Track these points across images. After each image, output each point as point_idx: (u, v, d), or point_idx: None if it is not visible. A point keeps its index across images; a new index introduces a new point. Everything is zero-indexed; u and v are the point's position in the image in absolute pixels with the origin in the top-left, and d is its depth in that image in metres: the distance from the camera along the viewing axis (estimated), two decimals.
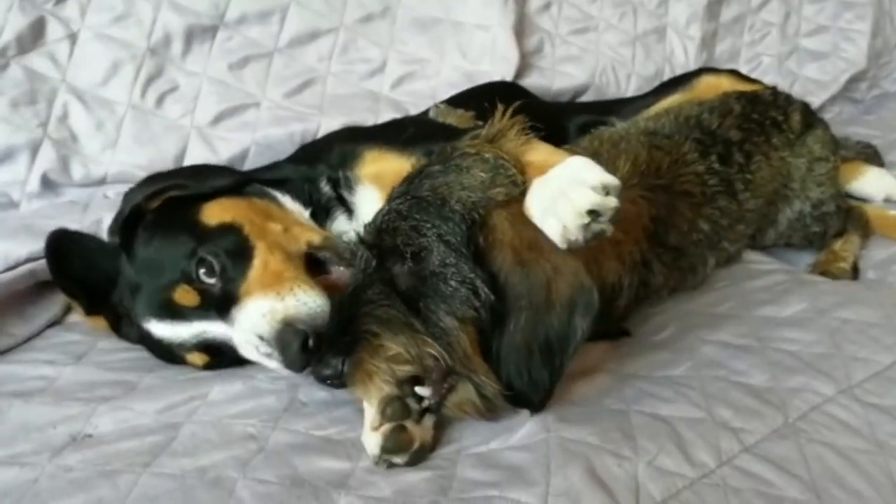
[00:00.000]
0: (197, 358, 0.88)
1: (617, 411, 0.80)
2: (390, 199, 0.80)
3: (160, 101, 1.19)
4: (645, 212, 0.93)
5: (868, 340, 0.93)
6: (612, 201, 0.72)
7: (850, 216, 1.24)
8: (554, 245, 0.73)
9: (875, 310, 0.99)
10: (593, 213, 0.71)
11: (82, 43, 1.16)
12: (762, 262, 1.18)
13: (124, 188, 1.14)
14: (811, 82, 1.85)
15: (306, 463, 0.73)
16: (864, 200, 1.39)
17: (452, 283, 0.72)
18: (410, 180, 0.80)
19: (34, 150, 1.10)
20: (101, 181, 1.13)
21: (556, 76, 1.53)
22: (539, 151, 0.83)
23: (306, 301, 0.83)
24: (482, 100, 1.29)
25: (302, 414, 0.82)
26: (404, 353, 0.71)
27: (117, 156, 1.15)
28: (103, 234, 1.03)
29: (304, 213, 1.00)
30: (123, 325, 0.94)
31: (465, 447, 0.78)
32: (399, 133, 1.06)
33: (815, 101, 1.81)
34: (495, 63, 1.42)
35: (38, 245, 0.98)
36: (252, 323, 0.82)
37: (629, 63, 1.63)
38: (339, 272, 0.90)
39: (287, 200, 1.01)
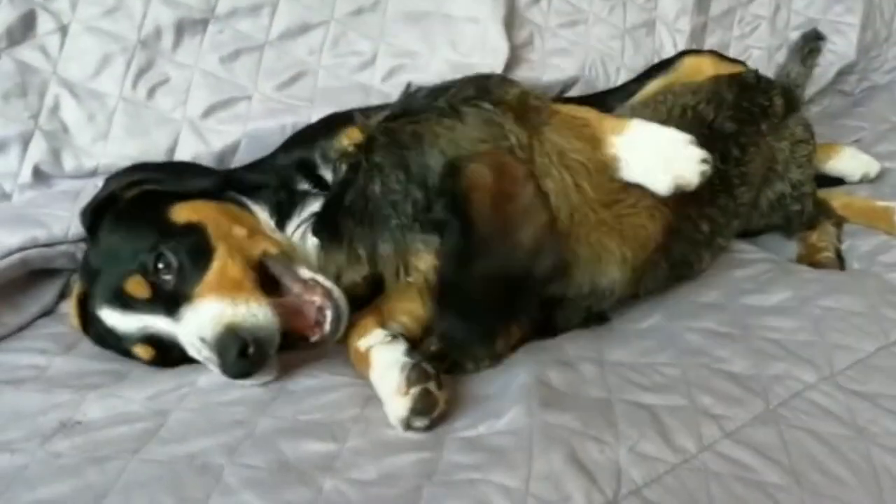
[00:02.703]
0: (142, 351, 0.88)
1: (600, 399, 0.82)
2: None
3: (151, 93, 1.19)
4: (655, 222, 0.93)
5: (851, 329, 0.94)
6: (706, 152, 0.89)
7: (819, 206, 1.25)
8: (532, 201, 0.78)
9: (859, 298, 1.00)
10: (704, 161, 0.88)
11: (73, 35, 1.16)
12: (747, 251, 1.19)
13: None
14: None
15: (293, 447, 0.74)
16: (840, 181, 1.40)
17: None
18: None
19: (25, 142, 1.10)
20: (93, 173, 1.13)
21: (545, 69, 1.54)
22: (586, 111, 0.94)
23: (256, 313, 0.83)
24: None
25: (290, 400, 0.83)
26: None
27: (109, 148, 1.15)
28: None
29: (270, 223, 1.02)
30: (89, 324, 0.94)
31: (454, 430, 0.79)
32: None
33: (804, 94, 1.82)
34: (485, 56, 1.43)
35: (29, 234, 0.99)
36: (198, 324, 0.83)
37: (618, 56, 1.63)
38: (293, 298, 0.90)
39: (258, 209, 1.02)
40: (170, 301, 0.85)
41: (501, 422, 0.78)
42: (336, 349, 0.93)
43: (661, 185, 0.87)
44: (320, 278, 0.90)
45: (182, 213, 0.92)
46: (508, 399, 0.81)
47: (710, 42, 1.80)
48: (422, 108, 0.83)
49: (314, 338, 0.88)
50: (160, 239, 0.87)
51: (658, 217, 0.92)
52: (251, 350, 0.80)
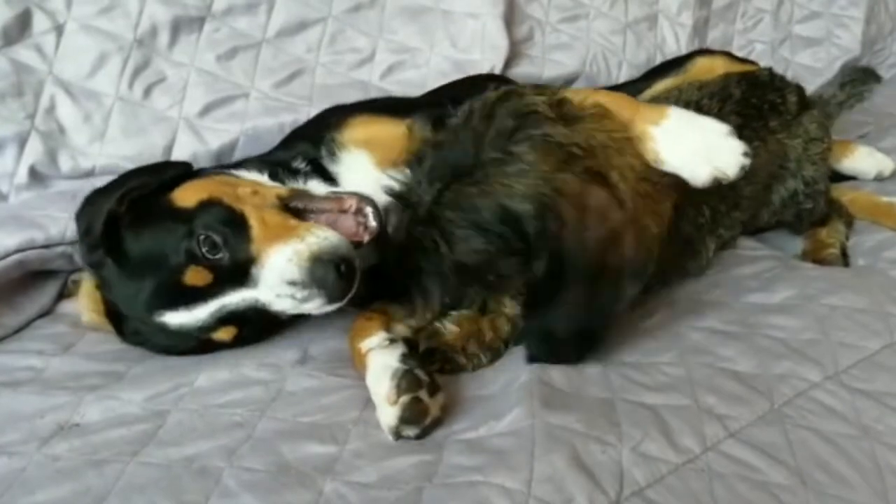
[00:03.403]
0: (223, 333, 0.87)
1: (603, 399, 0.81)
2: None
3: (148, 92, 1.19)
4: (670, 200, 0.93)
5: (856, 326, 0.93)
6: (745, 144, 0.89)
7: (831, 202, 1.24)
8: (621, 220, 0.81)
9: (863, 296, 0.99)
10: (746, 154, 0.88)
11: (69, 35, 1.15)
12: (752, 248, 1.18)
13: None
14: (804, 69, 1.83)
15: (293, 449, 0.74)
16: (854, 178, 1.39)
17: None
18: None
19: (22, 142, 1.09)
20: (90, 173, 1.13)
21: (546, 64, 1.53)
22: (620, 98, 0.94)
23: (326, 236, 0.85)
24: (468, 93, 1.30)
25: (289, 402, 0.82)
26: None
27: (105, 148, 1.14)
28: None
29: (261, 177, 1.00)
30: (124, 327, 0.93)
31: (454, 432, 0.78)
32: (383, 103, 1.05)
33: (808, 87, 1.79)
34: (485, 52, 1.42)
35: (27, 235, 0.99)
36: (280, 272, 0.83)
37: (620, 51, 1.62)
38: (327, 217, 0.91)
39: (243, 172, 1.00)
40: (235, 272, 0.84)
41: (502, 423, 0.78)
42: (336, 348, 0.93)
43: (700, 176, 0.88)
44: (339, 188, 0.91)
45: (186, 196, 0.91)
46: (509, 399, 0.81)
47: (713, 36, 1.79)
48: (473, 163, 0.81)
49: (367, 237, 0.90)
50: (190, 226, 0.85)
51: (670, 196, 0.92)
52: (343, 268, 0.82)
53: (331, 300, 0.83)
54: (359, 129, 1.01)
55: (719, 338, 0.92)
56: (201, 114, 1.21)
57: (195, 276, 0.84)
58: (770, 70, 1.27)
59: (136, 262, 0.87)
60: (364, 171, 0.99)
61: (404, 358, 0.82)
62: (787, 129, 1.16)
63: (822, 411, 0.81)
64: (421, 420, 0.77)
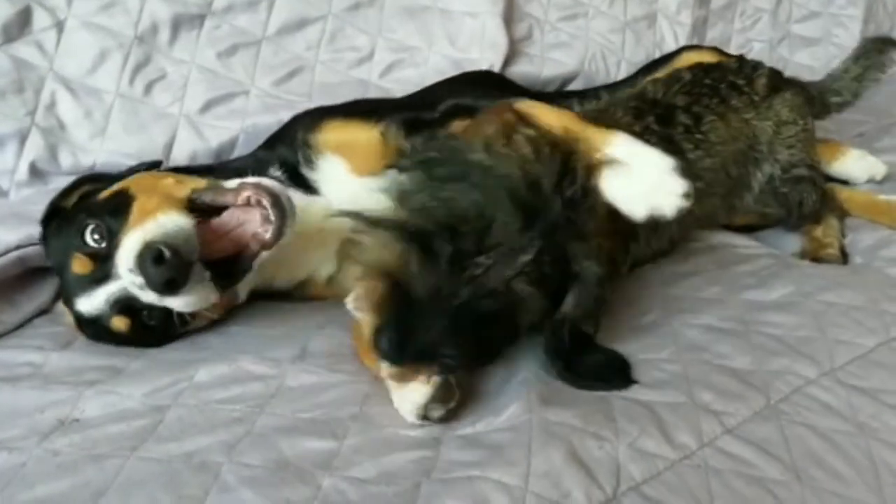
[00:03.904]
0: (118, 322, 0.87)
1: (599, 395, 0.81)
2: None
3: (148, 89, 1.19)
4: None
5: (852, 324, 0.94)
6: (689, 184, 0.84)
7: (825, 200, 1.24)
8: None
9: (860, 293, 1.00)
10: (686, 196, 0.83)
11: (69, 31, 1.15)
12: (749, 246, 1.18)
13: None
14: (803, 68, 1.84)
15: (292, 445, 0.74)
16: (845, 182, 1.39)
17: None
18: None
19: (22, 138, 1.10)
20: (90, 170, 1.13)
21: (545, 63, 1.53)
22: (571, 121, 0.91)
23: (164, 223, 0.81)
24: (456, 89, 1.30)
25: (289, 398, 0.82)
26: None
27: (106, 144, 1.14)
28: None
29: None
30: None
31: (452, 428, 0.78)
32: (357, 106, 1.04)
33: None
34: (484, 50, 1.42)
35: (27, 231, 0.99)
36: (124, 261, 0.82)
37: (619, 50, 1.63)
38: (230, 213, 0.87)
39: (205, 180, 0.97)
40: (108, 261, 0.85)
41: (500, 419, 0.78)
42: (335, 344, 0.93)
43: (636, 212, 0.84)
44: (249, 179, 0.87)
45: (109, 190, 0.92)
46: (507, 395, 0.81)
47: (712, 35, 1.79)
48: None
49: (268, 235, 0.85)
50: (88, 216, 0.87)
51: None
52: (167, 253, 0.78)
53: (152, 288, 0.80)
54: (331, 135, 0.99)
55: (716, 334, 0.92)
56: (202, 111, 1.21)
57: (79, 264, 0.86)
58: (741, 58, 1.30)
59: (53, 253, 0.92)
60: (340, 178, 0.97)
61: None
62: (755, 109, 1.17)
63: (817, 408, 0.81)
64: (448, 401, 0.78)
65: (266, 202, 0.84)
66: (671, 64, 1.47)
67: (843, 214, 1.26)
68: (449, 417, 0.79)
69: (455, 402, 0.79)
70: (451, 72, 1.39)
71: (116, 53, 1.17)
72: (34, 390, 0.82)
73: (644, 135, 1.03)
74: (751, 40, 1.84)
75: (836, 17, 1.87)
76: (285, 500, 0.67)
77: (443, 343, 0.73)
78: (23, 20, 1.12)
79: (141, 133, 1.17)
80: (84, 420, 0.78)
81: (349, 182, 0.97)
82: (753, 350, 0.89)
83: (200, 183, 0.91)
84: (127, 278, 0.83)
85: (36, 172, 1.11)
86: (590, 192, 0.81)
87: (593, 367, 0.84)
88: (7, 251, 0.97)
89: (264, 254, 0.86)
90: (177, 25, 1.22)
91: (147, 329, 0.89)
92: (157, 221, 0.82)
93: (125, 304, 0.86)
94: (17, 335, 0.96)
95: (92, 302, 0.86)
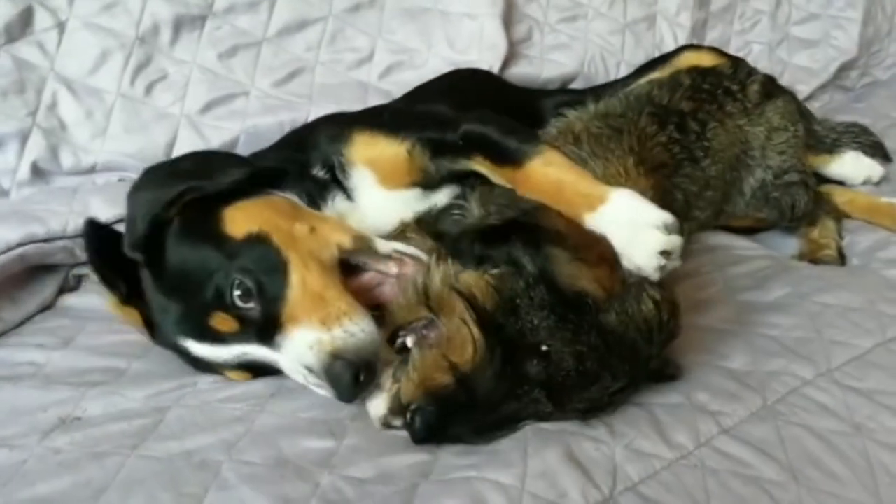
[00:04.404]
0: (238, 376, 0.85)
1: None
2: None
3: (149, 89, 1.20)
4: (647, 189, 0.94)
5: (849, 325, 0.94)
6: (678, 239, 0.78)
7: (819, 201, 1.25)
8: None
9: (857, 295, 1.00)
10: (665, 254, 0.77)
11: (71, 32, 1.16)
12: (747, 248, 1.19)
13: (114, 176, 1.16)
14: (802, 70, 1.85)
15: (291, 444, 0.75)
16: (841, 183, 1.39)
17: None
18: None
19: (23, 138, 1.10)
20: (91, 169, 1.14)
21: (544, 64, 1.53)
22: (570, 172, 0.87)
23: (354, 332, 0.78)
24: (452, 90, 1.30)
25: (289, 397, 0.83)
26: None
27: (107, 144, 1.15)
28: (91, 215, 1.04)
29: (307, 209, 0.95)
30: (156, 329, 0.90)
31: None
32: (384, 117, 1.04)
33: (805, 89, 1.81)
34: (483, 52, 1.43)
35: (28, 230, 0.99)
36: (299, 354, 0.79)
37: (619, 51, 1.63)
38: (372, 276, 0.86)
39: (292, 197, 0.95)
40: (261, 330, 0.80)
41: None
42: None
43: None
44: (401, 247, 0.86)
45: (237, 222, 0.85)
46: None
47: (711, 37, 1.80)
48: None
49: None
50: (228, 261, 0.81)
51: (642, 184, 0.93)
52: (362, 377, 0.76)
53: (339, 398, 0.78)
54: (363, 148, 0.97)
55: (713, 335, 0.93)
56: (202, 111, 1.22)
57: (221, 322, 0.81)
58: (736, 63, 1.30)
59: (170, 279, 0.84)
60: (370, 189, 0.97)
61: (400, 350, 0.82)
62: (747, 115, 1.18)
63: (814, 408, 0.82)
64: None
65: (418, 277, 0.82)
66: (671, 63, 1.47)
67: (839, 216, 1.26)
68: None
69: None
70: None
71: (118, 54, 1.18)
72: (36, 389, 0.83)
73: (668, 145, 1.05)
74: (750, 42, 1.84)
75: (835, 20, 1.88)
76: (284, 498, 0.67)
77: (468, 434, 0.74)
78: (24, 20, 1.13)
79: (142, 133, 1.17)
80: (85, 419, 0.78)
81: (379, 194, 0.97)
82: (751, 351, 0.90)
83: (345, 239, 0.87)
84: (294, 366, 0.80)
85: (37, 172, 1.11)
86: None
87: None
88: (8, 249, 0.97)
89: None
90: (178, 26, 1.23)
91: (260, 376, 0.86)
92: (343, 328, 0.78)
93: (254, 365, 0.83)
94: (17, 332, 0.97)
95: (217, 352, 0.82)
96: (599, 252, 0.79)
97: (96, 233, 0.90)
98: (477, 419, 0.73)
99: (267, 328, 0.80)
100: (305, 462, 0.72)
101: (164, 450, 0.74)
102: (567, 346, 0.72)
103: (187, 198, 0.85)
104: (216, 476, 0.70)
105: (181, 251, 0.84)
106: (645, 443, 0.75)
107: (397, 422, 0.78)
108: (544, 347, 0.73)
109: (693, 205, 1.09)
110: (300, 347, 0.78)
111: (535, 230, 0.80)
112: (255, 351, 0.81)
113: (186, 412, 0.80)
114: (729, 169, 1.15)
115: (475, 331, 0.73)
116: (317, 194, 0.96)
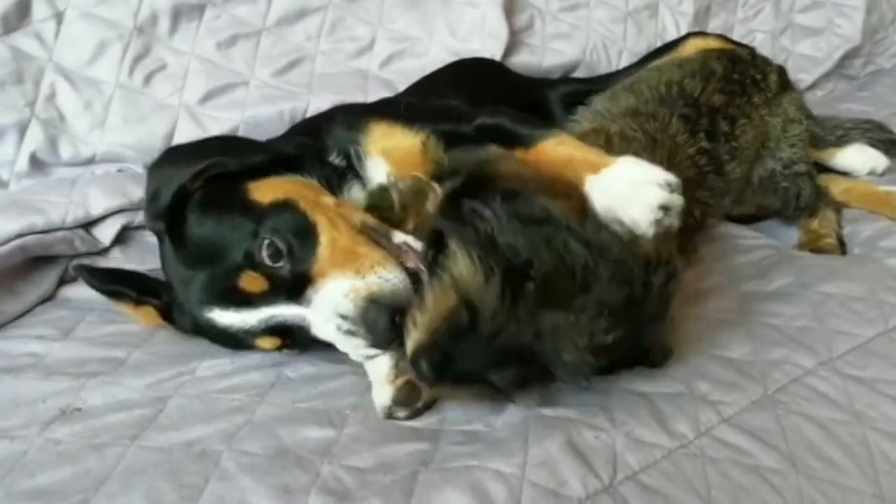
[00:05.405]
0: (267, 342, 0.84)
1: (596, 388, 0.81)
2: None
3: (148, 80, 1.19)
4: None
5: (850, 314, 0.94)
6: (678, 198, 0.78)
7: (819, 193, 1.24)
8: None
9: (859, 284, 1.00)
10: (664, 209, 0.76)
11: (69, 22, 1.16)
12: (749, 237, 1.18)
13: (113, 167, 1.16)
14: (805, 59, 1.83)
15: (291, 433, 0.75)
16: (846, 174, 1.38)
17: None
18: None
19: (22, 130, 1.10)
20: (90, 161, 1.14)
21: (546, 53, 1.53)
22: (581, 149, 0.87)
23: (388, 278, 0.79)
24: (458, 81, 1.29)
25: (288, 388, 0.83)
26: None
27: (106, 135, 1.15)
28: (90, 210, 1.04)
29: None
30: (175, 314, 0.90)
31: (450, 423, 0.79)
32: (400, 109, 1.04)
33: (808, 77, 1.81)
34: (484, 41, 1.42)
35: (27, 221, 1.00)
36: (334, 303, 0.79)
37: (620, 40, 1.62)
38: (397, 247, 0.85)
39: (315, 182, 0.94)
40: (291, 287, 0.80)
41: (499, 419, 0.79)
42: None
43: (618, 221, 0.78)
44: (411, 241, 0.86)
45: (263, 192, 0.86)
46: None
47: (714, 25, 1.79)
48: None
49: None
50: (257, 224, 0.81)
51: None
52: (398, 318, 0.76)
53: (374, 345, 0.79)
54: (379, 138, 0.98)
55: (714, 325, 0.92)
56: (201, 101, 1.22)
57: (250, 282, 0.80)
58: (752, 50, 1.28)
59: (194, 249, 0.84)
60: (385, 178, 0.96)
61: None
62: (769, 106, 1.17)
63: (815, 397, 0.82)
64: (413, 402, 0.78)
65: (424, 278, 0.81)
66: (677, 50, 1.45)
67: (838, 207, 1.26)
68: (416, 416, 0.79)
69: (422, 402, 0.79)
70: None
71: (116, 44, 1.17)
72: (36, 380, 0.83)
73: (696, 157, 1.03)
74: (753, 30, 1.83)
75: (838, 7, 1.86)
76: (284, 487, 0.68)
77: (484, 371, 0.72)
78: (22, 11, 1.13)
79: (141, 124, 1.17)
80: (85, 409, 0.79)
81: None
82: (752, 340, 0.89)
83: (367, 217, 0.89)
84: (327, 317, 0.79)
85: (36, 163, 1.11)
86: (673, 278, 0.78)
87: None
88: (8, 240, 0.97)
89: None
90: (176, 16, 1.22)
91: (290, 346, 0.86)
92: (378, 274, 0.79)
93: (283, 327, 0.82)
94: (17, 324, 0.97)
95: (244, 317, 0.81)
96: (565, 187, 0.79)
97: (89, 273, 0.95)
98: (482, 348, 0.71)
99: (297, 285, 0.80)
100: (305, 452, 0.72)
101: (164, 440, 0.74)
102: (549, 251, 0.72)
103: (212, 172, 0.86)
104: (216, 466, 0.70)
105: (206, 218, 0.84)
106: (645, 432, 0.75)
107: (402, 412, 0.78)
108: (530, 260, 0.72)
109: (709, 215, 1.08)
110: (335, 297, 0.79)
111: (492, 178, 0.80)
112: (285, 311, 0.81)
113: (186, 402, 0.80)
114: (749, 167, 1.14)
115: (474, 253, 0.73)
116: (334, 181, 0.96)
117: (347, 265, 0.80)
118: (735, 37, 1.77)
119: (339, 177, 0.96)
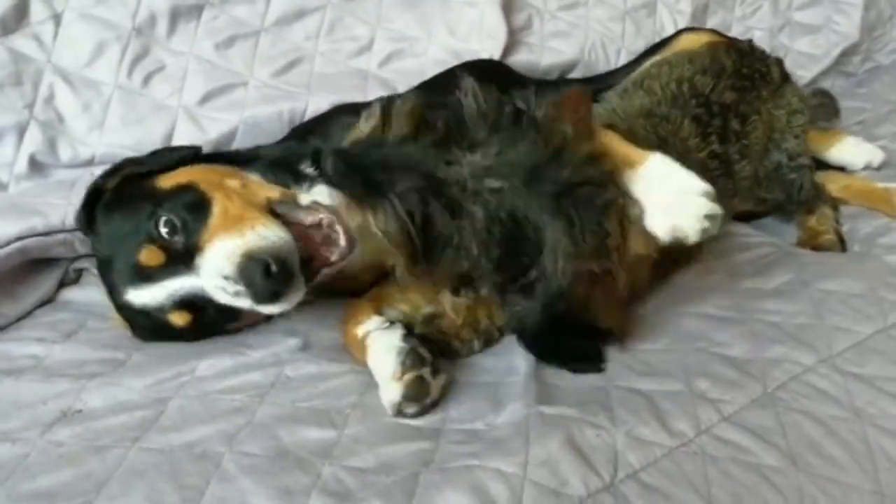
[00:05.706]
0: (178, 317, 0.87)
1: (597, 386, 0.82)
2: None
3: (147, 81, 1.19)
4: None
5: (850, 311, 0.94)
6: (719, 207, 0.81)
7: (816, 189, 1.24)
8: None
9: (859, 281, 1.00)
10: (709, 218, 0.80)
11: (67, 24, 1.15)
12: (749, 234, 1.18)
13: None
14: (803, 56, 1.83)
15: (291, 434, 0.75)
16: (842, 169, 1.39)
17: None
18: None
19: (21, 131, 1.10)
20: (89, 162, 1.13)
21: (544, 52, 1.52)
22: (610, 137, 0.89)
23: (266, 234, 0.82)
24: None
25: (288, 388, 0.83)
26: None
27: (105, 137, 1.15)
28: None
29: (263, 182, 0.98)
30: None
31: (451, 422, 0.79)
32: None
33: (807, 74, 1.80)
34: (483, 40, 1.42)
35: (27, 224, 0.99)
36: (216, 265, 0.82)
37: (619, 38, 1.62)
38: (300, 227, 0.87)
39: (252, 174, 0.98)
40: (185, 257, 0.84)
41: (500, 417, 0.79)
42: (335, 336, 0.94)
43: (660, 230, 0.82)
44: (318, 199, 0.89)
45: (168, 180, 0.91)
46: (507, 392, 0.82)
47: (712, 22, 1.78)
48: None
49: (333, 256, 0.86)
50: (156, 206, 0.86)
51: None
52: (274, 268, 0.79)
53: (256, 299, 0.81)
54: None
55: (714, 323, 0.92)
56: (200, 102, 1.21)
57: (149, 256, 0.85)
58: (750, 41, 1.28)
59: (105, 239, 0.91)
60: None
61: (406, 337, 0.84)
62: (774, 98, 1.16)
63: (814, 395, 0.82)
64: (422, 398, 0.79)
65: (338, 228, 0.85)
66: (670, 47, 1.46)
67: (835, 203, 1.26)
68: (425, 412, 0.80)
69: (430, 398, 0.80)
70: (450, 62, 1.38)
71: (114, 45, 1.17)
72: (37, 383, 0.83)
73: (708, 161, 1.03)
74: (751, 28, 1.83)
75: (836, 4, 1.86)
76: (285, 489, 0.68)
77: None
78: (20, 12, 1.12)
79: (140, 125, 1.17)
80: (86, 411, 0.79)
81: None
82: (751, 338, 0.89)
83: (273, 192, 0.92)
84: (213, 281, 0.82)
85: (35, 165, 1.11)
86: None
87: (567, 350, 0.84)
88: (7, 243, 0.97)
89: (325, 270, 0.87)
90: (175, 17, 1.22)
91: (201, 325, 0.89)
92: (257, 232, 0.82)
93: (189, 301, 0.85)
94: (17, 327, 0.97)
95: (152, 294, 0.86)
96: None
97: None
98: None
99: (190, 254, 0.84)
100: (306, 453, 0.72)
101: (165, 442, 0.74)
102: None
103: (126, 170, 0.93)
104: (217, 467, 0.70)
105: (114, 211, 0.91)
106: (645, 430, 0.75)
107: (411, 409, 0.78)
108: None
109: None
110: (217, 259, 0.82)
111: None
112: (183, 283, 0.84)
113: (186, 403, 0.80)
114: (758, 163, 1.14)
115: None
116: (289, 181, 0.98)
117: (231, 229, 0.83)
118: (733, 34, 1.77)
119: (307, 178, 0.98)
